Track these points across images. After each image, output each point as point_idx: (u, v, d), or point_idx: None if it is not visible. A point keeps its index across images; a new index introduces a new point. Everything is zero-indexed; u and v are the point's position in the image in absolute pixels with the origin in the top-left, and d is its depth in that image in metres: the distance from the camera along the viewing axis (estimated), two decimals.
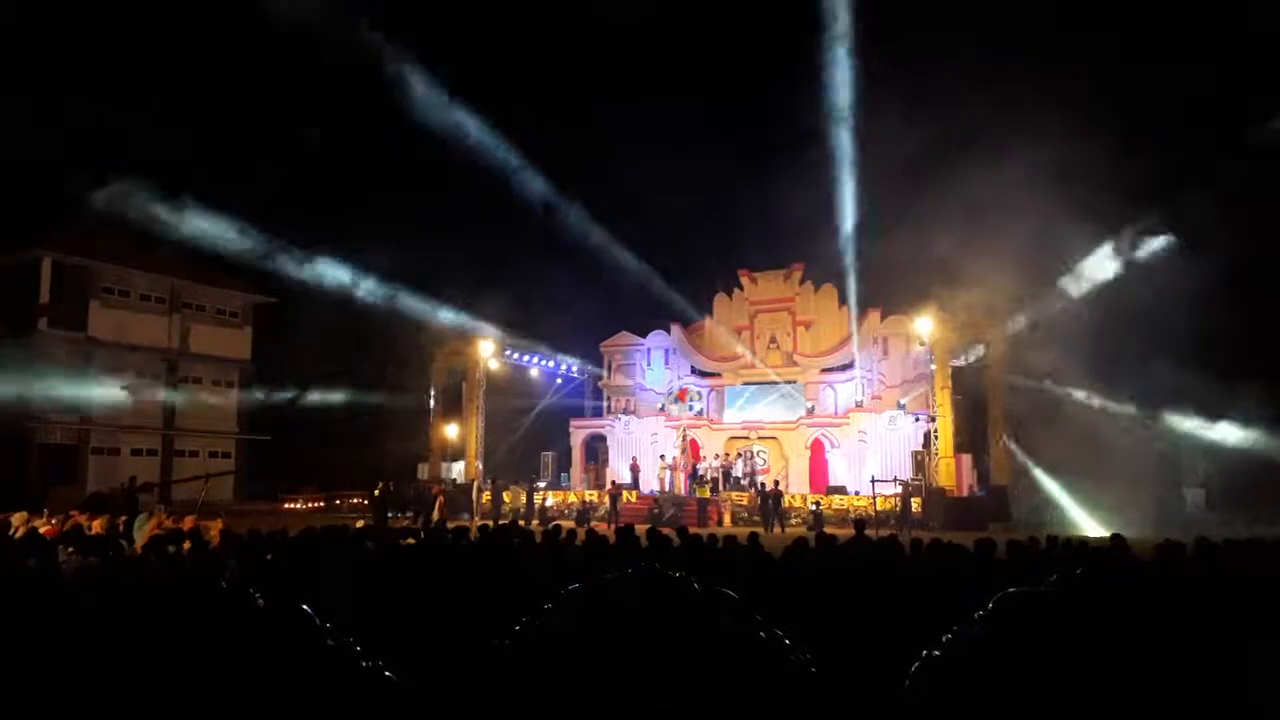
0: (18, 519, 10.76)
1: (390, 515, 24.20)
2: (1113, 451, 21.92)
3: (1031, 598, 1.65)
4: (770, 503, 23.90)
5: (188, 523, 10.61)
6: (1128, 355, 23.25)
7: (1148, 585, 4.19)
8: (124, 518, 12.57)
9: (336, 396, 35.23)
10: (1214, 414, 23.74)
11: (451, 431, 33.07)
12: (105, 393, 32.26)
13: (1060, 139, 22.88)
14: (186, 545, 8.02)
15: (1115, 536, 8.15)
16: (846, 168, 28.08)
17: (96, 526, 10.93)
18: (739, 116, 58.59)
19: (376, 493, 24.54)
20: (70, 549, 7.13)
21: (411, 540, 8.69)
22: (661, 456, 29.55)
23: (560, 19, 51.13)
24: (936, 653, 1.63)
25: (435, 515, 23.33)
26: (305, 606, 1.50)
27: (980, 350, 27.10)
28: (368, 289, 31.94)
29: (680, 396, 31.32)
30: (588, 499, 28.09)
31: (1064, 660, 1.50)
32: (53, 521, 11.63)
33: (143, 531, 11.13)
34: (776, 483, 25.63)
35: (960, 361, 27.47)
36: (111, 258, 32.60)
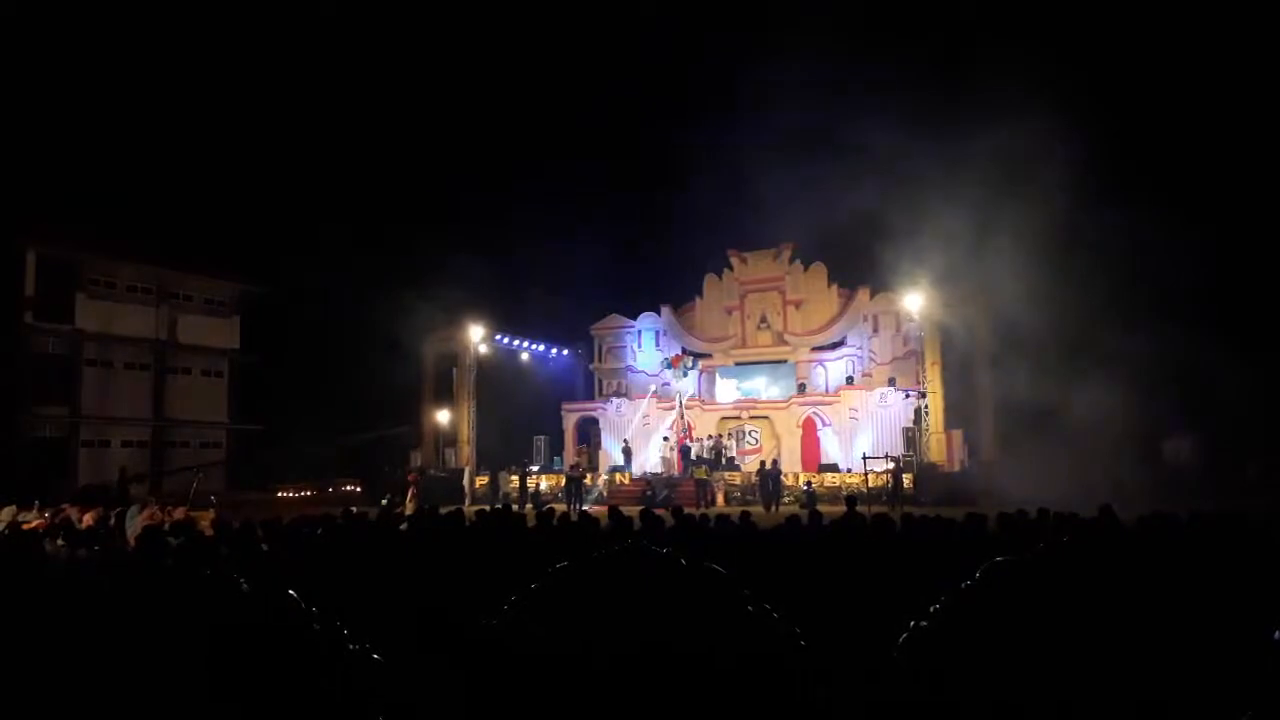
0: (5, 513, 10.71)
1: (386, 500, 24.01)
2: (1095, 418, 21.80)
3: (1018, 566, 1.66)
4: (770, 483, 23.91)
5: (179, 513, 10.58)
6: (1111, 314, 23.31)
7: (1133, 553, 4.22)
8: (116, 510, 12.52)
9: (327, 384, 35.10)
10: (1203, 370, 23.59)
11: (443, 417, 33.03)
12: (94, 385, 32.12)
13: (1049, 107, 22.82)
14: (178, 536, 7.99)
15: (1104, 507, 8.20)
16: (833, 145, 27.98)
17: (88, 520, 10.89)
18: (723, 92, 58.34)
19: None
20: (61, 542, 7.12)
21: (404, 526, 8.70)
22: (665, 438, 29.59)
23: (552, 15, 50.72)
24: (924, 623, 1.64)
25: (410, 506, 21.85)
26: (291, 591, 1.49)
27: (969, 325, 27.11)
28: (356, 276, 31.79)
29: (674, 363, 31.40)
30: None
31: (1050, 627, 1.51)
32: (45, 515, 11.58)
33: (135, 524, 11.11)
34: (775, 461, 25.65)
35: (949, 337, 27.49)
36: (97, 249, 32.32)
